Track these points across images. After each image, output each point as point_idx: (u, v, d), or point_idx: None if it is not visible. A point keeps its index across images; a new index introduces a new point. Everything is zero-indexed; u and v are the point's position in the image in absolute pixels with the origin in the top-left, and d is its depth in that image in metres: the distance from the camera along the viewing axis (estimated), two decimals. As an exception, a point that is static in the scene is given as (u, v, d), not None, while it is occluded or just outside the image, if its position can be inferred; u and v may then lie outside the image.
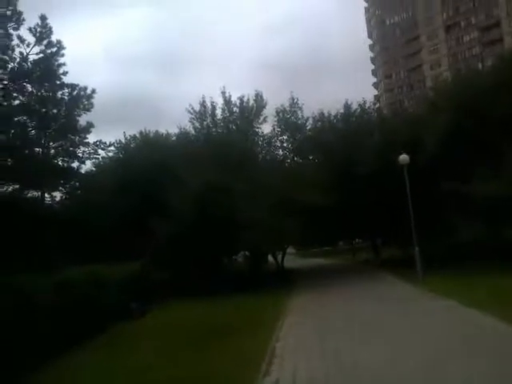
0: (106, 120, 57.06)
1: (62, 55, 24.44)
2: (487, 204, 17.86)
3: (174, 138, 28.45)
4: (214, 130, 27.80)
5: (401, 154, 19.80)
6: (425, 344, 8.26)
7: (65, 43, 24.05)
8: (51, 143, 24.97)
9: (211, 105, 27.81)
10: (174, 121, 56.88)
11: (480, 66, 59.57)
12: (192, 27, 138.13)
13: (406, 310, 12.29)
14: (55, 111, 24.84)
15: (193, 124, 28.02)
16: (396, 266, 23.27)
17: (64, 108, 25.07)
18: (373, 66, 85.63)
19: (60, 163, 25.27)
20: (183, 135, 27.70)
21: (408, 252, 22.47)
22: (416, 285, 16.71)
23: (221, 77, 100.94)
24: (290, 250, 39.36)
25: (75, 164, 25.80)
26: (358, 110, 28.89)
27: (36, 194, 24.62)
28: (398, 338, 9.03)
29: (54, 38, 23.97)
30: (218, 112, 27.92)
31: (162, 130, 29.83)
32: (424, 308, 12.31)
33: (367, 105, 29.90)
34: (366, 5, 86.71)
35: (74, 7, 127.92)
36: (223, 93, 27.65)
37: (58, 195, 25.74)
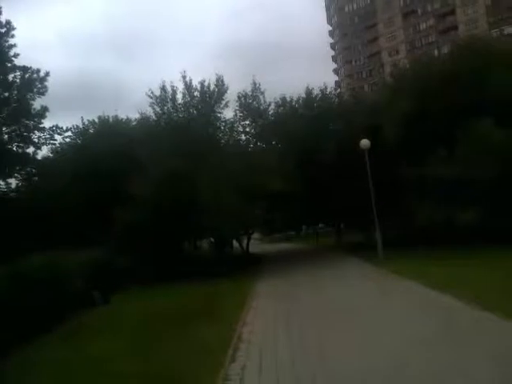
0: (64, 106, 55.11)
1: (12, 36, 23.39)
2: (443, 188, 18.43)
3: (134, 123, 27.82)
4: (175, 114, 27.28)
5: (362, 138, 20.19)
6: (390, 325, 8.51)
7: (18, 28, 23.13)
8: (4, 128, 23.87)
9: (172, 89, 27.24)
10: (134, 106, 55.49)
11: (436, 53, 61.07)
12: (152, 11, 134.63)
13: (368, 290, 12.73)
14: (6, 94, 23.75)
15: (153, 109, 27.37)
16: (358, 249, 23.88)
17: (16, 91, 24.00)
18: (333, 52, 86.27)
19: (14, 149, 24.25)
20: (144, 120, 27.09)
21: (370, 236, 23.03)
22: (378, 266, 17.21)
23: (182, 63, 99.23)
24: (255, 235, 39.61)
25: (31, 150, 24.85)
26: (320, 95, 29.04)
27: (-11, 180, 23.65)
28: (365, 320, 9.19)
29: (2, 18, 22.89)
30: (179, 97, 27.40)
31: (122, 116, 29.14)
32: (389, 288, 12.78)
33: (328, 90, 30.13)
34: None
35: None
36: (184, 77, 27.08)
37: (13, 182, 24.78)
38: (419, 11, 73.02)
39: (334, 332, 8.48)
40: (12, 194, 24.48)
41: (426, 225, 19.50)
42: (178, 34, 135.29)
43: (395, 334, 7.74)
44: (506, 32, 62.45)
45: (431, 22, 71.43)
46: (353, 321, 9.21)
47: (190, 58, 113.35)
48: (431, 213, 18.87)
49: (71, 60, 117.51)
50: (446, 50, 54.63)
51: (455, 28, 67.51)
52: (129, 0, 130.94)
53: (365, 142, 20.17)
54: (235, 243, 30.90)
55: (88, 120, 28.25)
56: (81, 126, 28.04)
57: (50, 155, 26.83)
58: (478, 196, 17.55)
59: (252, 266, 23.86)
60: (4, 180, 24.28)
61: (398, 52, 73.97)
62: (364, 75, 77.69)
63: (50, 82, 24.63)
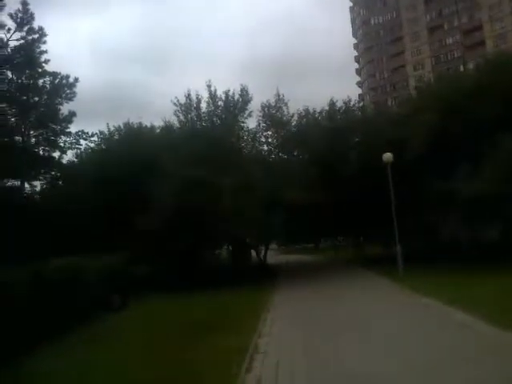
0: (91, 112, 56.23)
1: (44, 42, 24.04)
2: (467, 204, 18.09)
3: (158, 131, 28.11)
4: (198, 123, 27.59)
5: (385, 152, 20.02)
6: (405, 344, 8.35)
7: (50, 34, 23.69)
8: (31, 132, 24.45)
9: (196, 98, 27.61)
10: (159, 116, 56.07)
11: (462, 68, 60.43)
12: (181, 27, 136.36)
13: (386, 308, 12.43)
14: (36, 99, 24.34)
15: (177, 117, 27.79)
16: (377, 263, 23.55)
17: (45, 96, 24.56)
18: (357, 65, 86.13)
19: (41, 152, 24.76)
20: (167, 128, 27.38)
21: (390, 250, 22.72)
22: (397, 282, 16.90)
23: (207, 75, 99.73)
24: (272, 246, 39.46)
25: (56, 154, 25.34)
26: (343, 108, 28.91)
27: (16, 183, 24.09)
28: (379, 336, 9.06)
29: (35, 24, 23.50)
30: (203, 105, 27.72)
31: (147, 123, 29.40)
32: (405, 307, 12.48)
33: (352, 103, 29.97)
34: (350, 4, 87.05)
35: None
36: (209, 86, 27.46)
37: (38, 185, 25.24)
38: (445, 26, 72.52)
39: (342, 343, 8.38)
40: (36, 197, 24.92)
41: (448, 240, 19.16)
42: (205, 48, 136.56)
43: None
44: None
45: (457, 37, 70.85)
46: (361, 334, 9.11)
47: (216, 72, 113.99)
48: (454, 229, 18.53)
49: (101, 70, 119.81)
50: (472, 65, 53.99)
51: (482, 43, 66.67)
52: (157, 15, 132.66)
53: (388, 156, 19.98)
54: (253, 253, 30.83)
55: (113, 126, 28.57)
56: (106, 132, 28.41)
57: (75, 160, 27.25)
58: (504, 213, 17.18)
59: (269, 276, 23.76)
60: (29, 182, 24.76)
61: (423, 66, 73.40)
62: (388, 89, 77.27)
63: (79, 90, 25.15)
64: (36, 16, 23.83)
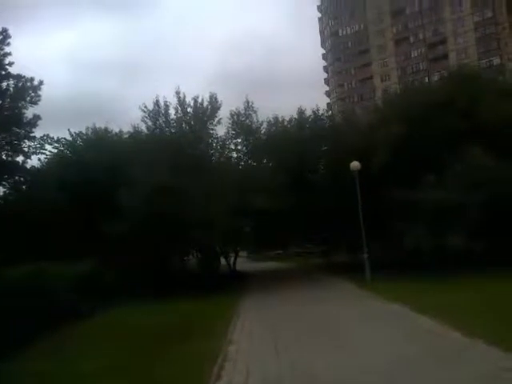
0: (63, 120, 54.88)
1: (8, 44, 23.30)
2: (431, 212, 18.57)
3: (126, 137, 27.72)
4: (167, 129, 27.35)
5: (352, 160, 20.39)
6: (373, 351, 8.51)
7: (23, 44, 23.08)
8: (-6, 136, 23.64)
9: (164, 104, 27.37)
10: (131, 125, 55.42)
11: (427, 80, 62.30)
12: (154, 41, 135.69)
13: (354, 314, 12.57)
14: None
15: (145, 123, 27.46)
16: (345, 270, 23.87)
17: (8, 99, 23.82)
18: (326, 75, 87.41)
19: (4, 157, 23.95)
20: (136, 134, 27.05)
21: (357, 257, 23.07)
22: (364, 289, 17.18)
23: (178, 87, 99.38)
24: (242, 253, 39.41)
25: (20, 158, 24.55)
26: (312, 117, 29.26)
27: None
28: (340, 337, 9.20)
29: (-1, 26, 22.85)
30: (172, 112, 27.51)
31: (115, 129, 28.88)
32: (373, 312, 12.67)
33: (320, 112, 30.33)
34: (319, 15, 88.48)
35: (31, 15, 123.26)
36: (177, 93, 27.28)
37: (1, 190, 24.43)
38: (411, 39, 74.61)
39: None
40: None
41: (413, 248, 19.61)
42: (179, 63, 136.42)
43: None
44: (494, 63, 64.11)
45: (422, 49, 73.03)
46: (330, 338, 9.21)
47: (187, 84, 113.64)
48: (419, 236, 18.98)
49: (75, 79, 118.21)
50: (436, 77, 55.78)
51: (446, 57, 68.99)
52: (132, 30, 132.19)
53: (355, 164, 20.37)
54: (222, 260, 30.71)
55: (75, 132, 27.89)
56: (68, 138, 27.68)
57: (40, 164, 26.57)
58: (466, 222, 17.71)
59: (239, 284, 23.73)
60: (-9, 188, 23.97)
61: (389, 78, 75.22)
62: (356, 99, 78.66)
63: (51, 98, 24.51)
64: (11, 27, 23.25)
